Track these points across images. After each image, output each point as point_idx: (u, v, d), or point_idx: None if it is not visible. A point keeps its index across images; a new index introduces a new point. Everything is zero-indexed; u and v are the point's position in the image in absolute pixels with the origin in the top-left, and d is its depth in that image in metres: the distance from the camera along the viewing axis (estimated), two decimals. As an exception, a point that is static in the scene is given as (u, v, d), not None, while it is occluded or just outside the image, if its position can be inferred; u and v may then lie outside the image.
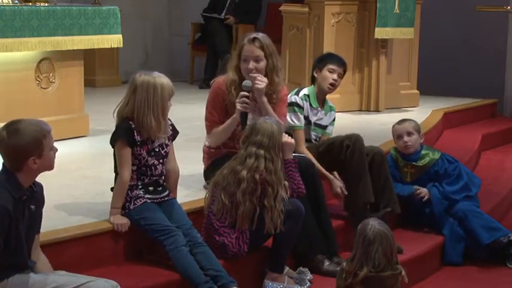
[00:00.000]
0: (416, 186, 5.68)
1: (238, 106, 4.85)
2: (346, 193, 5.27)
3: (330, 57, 5.62)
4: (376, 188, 5.31)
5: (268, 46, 4.97)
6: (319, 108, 5.50)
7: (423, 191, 5.66)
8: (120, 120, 4.44)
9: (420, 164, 5.74)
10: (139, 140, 4.40)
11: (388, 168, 5.43)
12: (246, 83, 4.90)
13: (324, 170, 5.27)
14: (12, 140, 3.61)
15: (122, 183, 4.40)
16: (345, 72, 5.57)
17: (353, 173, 5.22)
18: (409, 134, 5.72)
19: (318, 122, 5.49)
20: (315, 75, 5.51)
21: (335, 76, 5.47)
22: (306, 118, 5.42)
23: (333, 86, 5.48)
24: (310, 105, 5.44)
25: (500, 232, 5.58)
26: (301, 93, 5.41)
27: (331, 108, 5.60)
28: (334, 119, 5.62)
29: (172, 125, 4.60)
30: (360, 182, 5.21)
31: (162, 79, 4.42)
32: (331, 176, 5.33)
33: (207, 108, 5.09)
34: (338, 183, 5.31)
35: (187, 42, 10.58)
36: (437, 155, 5.77)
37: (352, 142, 5.23)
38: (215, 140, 5.04)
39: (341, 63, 5.55)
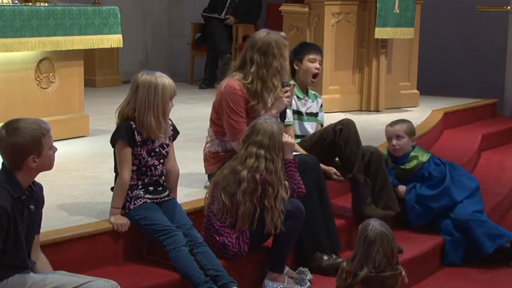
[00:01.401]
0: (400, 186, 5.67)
1: (285, 101, 4.94)
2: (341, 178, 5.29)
3: (307, 47, 5.61)
4: (374, 188, 5.30)
5: None
6: (306, 98, 5.51)
7: (399, 192, 5.63)
8: (120, 119, 4.44)
9: (407, 167, 5.69)
10: (139, 140, 4.40)
11: (385, 168, 5.41)
12: (286, 78, 5.02)
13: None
14: (12, 139, 3.61)
15: (122, 183, 4.40)
16: (322, 57, 5.58)
17: (348, 154, 5.20)
18: (398, 137, 5.66)
19: (309, 110, 5.50)
20: (295, 67, 5.50)
21: (317, 65, 5.48)
22: (297, 111, 5.42)
23: (316, 76, 5.50)
24: (297, 97, 5.44)
25: (504, 238, 5.53)
26: None
27: (316, 96, 5.62)
28: (321, 105, 5.63)
29: (173, 125, 4.60)
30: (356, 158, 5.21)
31: (164, 79, 4.41)
32: (325, 167, 5.29)
33: (230, 113, 4.93)
34: (333, 171, 5.30)
35: (187, 42, 10.58)
36: (425, 158, 5.71)
37: (344, 125, 5.23)
38: None
39: (319, 50, 5.59)
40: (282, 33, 5.08)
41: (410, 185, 5.65)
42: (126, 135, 4.38)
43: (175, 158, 4.62)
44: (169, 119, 4.55)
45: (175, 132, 4.63)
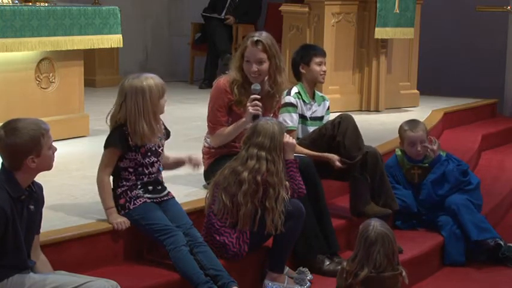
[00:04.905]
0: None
1: (250, 110, 4.87)
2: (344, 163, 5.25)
3: (312, 50, 5.59)
4: (373, 187, 5.30)
5: (271, 47, 4.99)
6: (312, 102, 5.50)
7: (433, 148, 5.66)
8: (114, 126, 4.44)
9: (427, 165, 5.72)
10: (133, 145, 4.40)
11: (383, 166, 5.39)
12: (255, 86, 4.94)
13: (318, 153, 5.23)
14: (10, 139, 3.61)
15: (102, 185, 4.40)
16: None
17: (348, 146, 5.18)
18: (422, 141, 5.68)
19: (313, 115, 5.49)
20: (302, 70, 5.49)
21: (324, 68, 5.49)
22: (301, 115, 5.42)
23: (323, 77, 5.52)
24: (303, 101, 5.44)
25: (490, 233, 5.55)
26: (293, 92, 5.40)
27: (323, 98, 5.61)
28: (328, 108, 5.62)
29: (162, 124, 4.60)
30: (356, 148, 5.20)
31: (150, 80, 4.40)
32: (326, 154, 5.26)
33: (210, 108, 5.08)
34: (333, 156, 5.25)
35: (187, 42, 10.58)
36: (443, 154, 5.76)
37: (343, 118, 5.23)
38: (220, 142, 5.04)
39: (324, 53, 5.60)
40: (255, 37, 5.00)
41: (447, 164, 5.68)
42: (119, 143, 4.38)
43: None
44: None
45: (167, 131, 4.64)
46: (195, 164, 4.77)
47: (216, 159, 5.04)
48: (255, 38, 4.98)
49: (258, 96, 4.90)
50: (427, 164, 5.72)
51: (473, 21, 9.86)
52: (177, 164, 4.78)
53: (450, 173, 5.65)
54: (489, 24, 9.84)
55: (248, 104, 4.89)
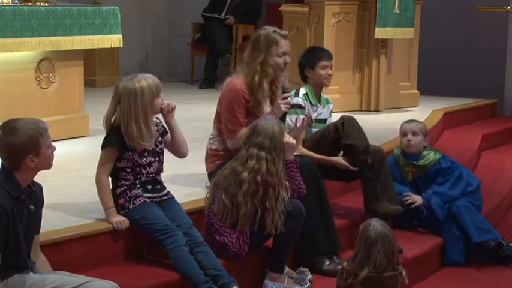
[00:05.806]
0: (406, 193, 5.60)
1: (283, 107, 4.92)
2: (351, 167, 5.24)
3: (319, 52, 5.57)
4: (376, 187, 5.29)
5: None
6: (318, 104, 5.50)
7: (413, 198, 5.60)
8: (110, 127, 4.44)
9: (421, 164, 5.73)
10: (130, 145, 4.40)
11: (388, 167, 5.41)
12: (286, 84, 5.02)
13: (322, 156, 5.23)
14: (9, 139, 3.62)
15: (101, 185, 4.41)
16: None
17: (355, 146, 5.18)
18: (414, 133, 5.70)
19: (318, 117, 5.49)
20: (307, 74, 5.49)
21: (330, 71, 5.48)
22: None
23: (329, 80, 5.51)
24: (310, 103, 5.44)
25: (491, 235, 5.57)
26: (301, 94, 5.40)
27: (327, 101, 5.60)
28: (331, 110, 5.62)
29: (159, 122, 4.60)
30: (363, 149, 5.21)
31: (143, 82, 4.40)
32: (331, 158, 5.26)
33: (227, 111, 4.99)
34: (339, 159, 5.25)
35: (187, 42, 10.58)
36: (438, 155, 5.76)
37: (345, 119, 5.24)
38: (239, 144, 4.90)
39: (330, 56, 5.57)
40: (281, 31, 5.06)
41: (428, 191, 5.64)
42: (117, 143, 4.39)
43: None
44: (157, 118, 4.55)
45: (164, 128, 4.63)
46: (170, 109, 4.57)
47: (225, 161, 4.97)
48: (283, 32, 5.06)
49: (290, 94, 5.00)
50: (421, 163, 5.72)
51: (473, 21, 9.86)
52: (172, 131, 4.63)
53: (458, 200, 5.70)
54: (489, 24, 9.84)
55: (280, 101, 4.94)
